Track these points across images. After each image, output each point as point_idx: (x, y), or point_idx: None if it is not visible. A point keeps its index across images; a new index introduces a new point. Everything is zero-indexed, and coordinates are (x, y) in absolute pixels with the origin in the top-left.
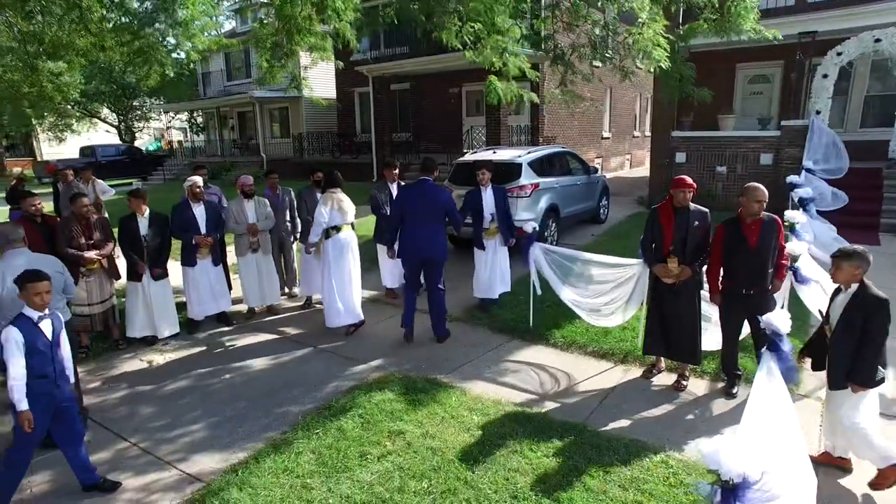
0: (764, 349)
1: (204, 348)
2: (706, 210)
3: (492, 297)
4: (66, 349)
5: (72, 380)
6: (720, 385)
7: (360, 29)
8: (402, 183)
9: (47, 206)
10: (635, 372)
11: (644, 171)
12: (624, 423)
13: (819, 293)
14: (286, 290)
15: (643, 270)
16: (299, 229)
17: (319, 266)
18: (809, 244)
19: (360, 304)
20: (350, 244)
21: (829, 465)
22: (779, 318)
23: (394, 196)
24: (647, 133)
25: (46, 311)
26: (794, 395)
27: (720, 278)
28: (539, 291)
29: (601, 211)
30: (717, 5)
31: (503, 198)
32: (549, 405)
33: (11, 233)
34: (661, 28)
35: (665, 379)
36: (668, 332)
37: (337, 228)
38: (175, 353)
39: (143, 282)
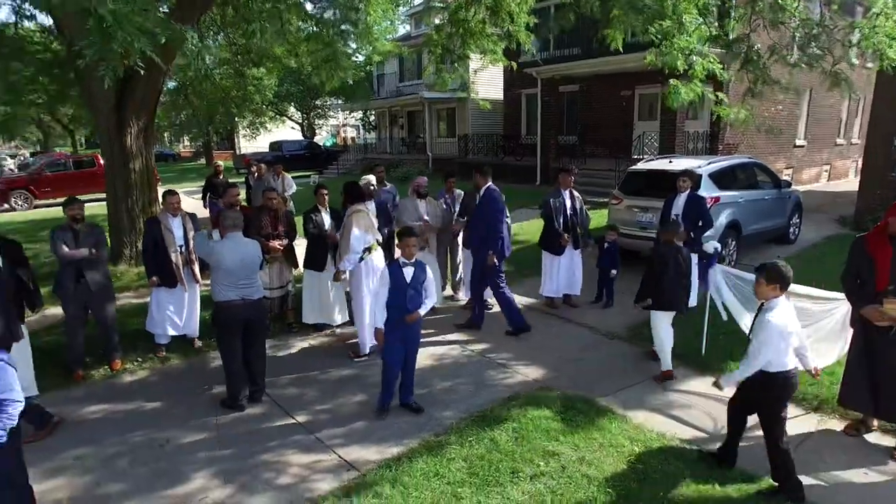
0: None
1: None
2: None
3: None
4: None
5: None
6: None
7: (533, 31)
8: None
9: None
10: (833, 425)
11: (846, 184)
12: (819, 484)
13: None
14: (451, 292)
15: (849, 308)
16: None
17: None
18: None
19: None
20: (379, 263)
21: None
22: None
23: (566, 204)
24: (855, 140)
25: (413, 260)
26: None
27: None
28: (725, 317)
29: (791, 230)
30: None
31: (695, 205)
32: None
33: (237, 218)
34: None
35: (878, 440)
36: (879, 384)
37: (369, 249)
38: (342, 341)
39: (322, 272)
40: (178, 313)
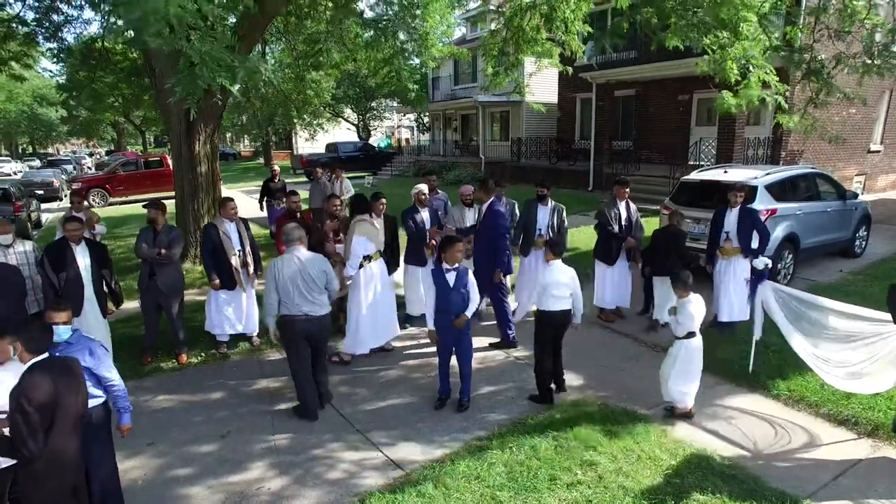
0: None
1: (416, 343)
2: None
3: (719, 318)
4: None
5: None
6: None
7: (587, 41)
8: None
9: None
10: (888, 451)
11: None
12: None
13: None
14: None
15: None
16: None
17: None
18: None
19: (393, 331)
20: (380, 273)
21: None
22: None
23: (621, 215)
24: None
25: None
26: None
27: None
28: (758, 335)
29: (857, 243)
30: None
31: (747, 219)
32: (763, 466)
33: (291, 232)
34: None
35: None
36: None
37: (369, 258)
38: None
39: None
40: (237, 313)
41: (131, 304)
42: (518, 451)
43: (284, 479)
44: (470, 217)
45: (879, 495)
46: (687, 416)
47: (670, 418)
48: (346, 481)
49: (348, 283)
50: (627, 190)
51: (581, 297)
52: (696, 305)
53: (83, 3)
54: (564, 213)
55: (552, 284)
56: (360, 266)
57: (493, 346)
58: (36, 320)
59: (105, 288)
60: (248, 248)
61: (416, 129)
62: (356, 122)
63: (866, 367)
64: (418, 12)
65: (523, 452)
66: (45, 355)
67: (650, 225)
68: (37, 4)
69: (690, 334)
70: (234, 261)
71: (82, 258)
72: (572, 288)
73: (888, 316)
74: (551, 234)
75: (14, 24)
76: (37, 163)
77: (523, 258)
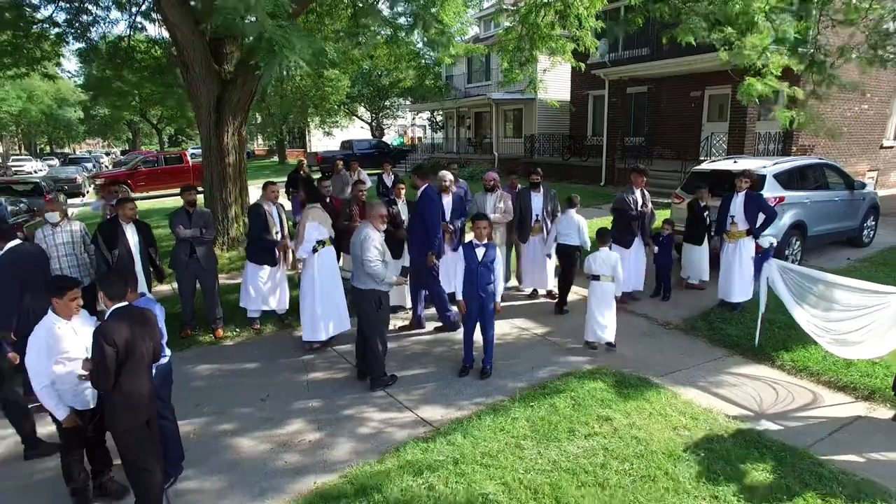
0: None
1: (438, 323)
2: None
3: (728, 299)
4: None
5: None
6: None
7: (600, 37)
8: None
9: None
10: (883, 413)
11: None
12: (857, 460)
13: None
14: (516, 282)
15: None
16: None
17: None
18: None
19: (346, 316)
20: (333, 257)
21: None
22: None
23: (638, 201)
24: None
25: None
26: None
27: None
28: (763, 310)
29: (865, 233)
30: None
31: (752, 203)
32: (767, 425)
33: (370, 207)
34: None
35: None
36: None
37: (322, 243)
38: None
39: (397, 260)
40: (272, 291)
41: (164, 286)
42: (539, 409)
43: (322, 433)
44: (491, 202)
45: (873, 447)
46: (610, 345)
47: (593, 351)
48: (378, 435)
49: (300, 265)
50: (644, 179)
51: (587, 237)
52: (601, 257)
53: (111, 4)
54: (557, 199)
55: (562, 228)
56: (315, 251)
57: (437, 330)
58: (112, 273)
59: (150, 265)
60: (286, 231)
61: (428, 127)
62: (370, 121)
63: (864, 335)
64: (434, 10)
65: (543, 409)
66: (125, 303)
67: (662, 215)
68: (67, 6)
69: (595, 277)
70: (278, 240)
71: (132, 236)
72: (576, 230)
73: (886, 288)
74: (547, 219)
75: (46, 25)
76: (55, 161)
77: (522, 244)
